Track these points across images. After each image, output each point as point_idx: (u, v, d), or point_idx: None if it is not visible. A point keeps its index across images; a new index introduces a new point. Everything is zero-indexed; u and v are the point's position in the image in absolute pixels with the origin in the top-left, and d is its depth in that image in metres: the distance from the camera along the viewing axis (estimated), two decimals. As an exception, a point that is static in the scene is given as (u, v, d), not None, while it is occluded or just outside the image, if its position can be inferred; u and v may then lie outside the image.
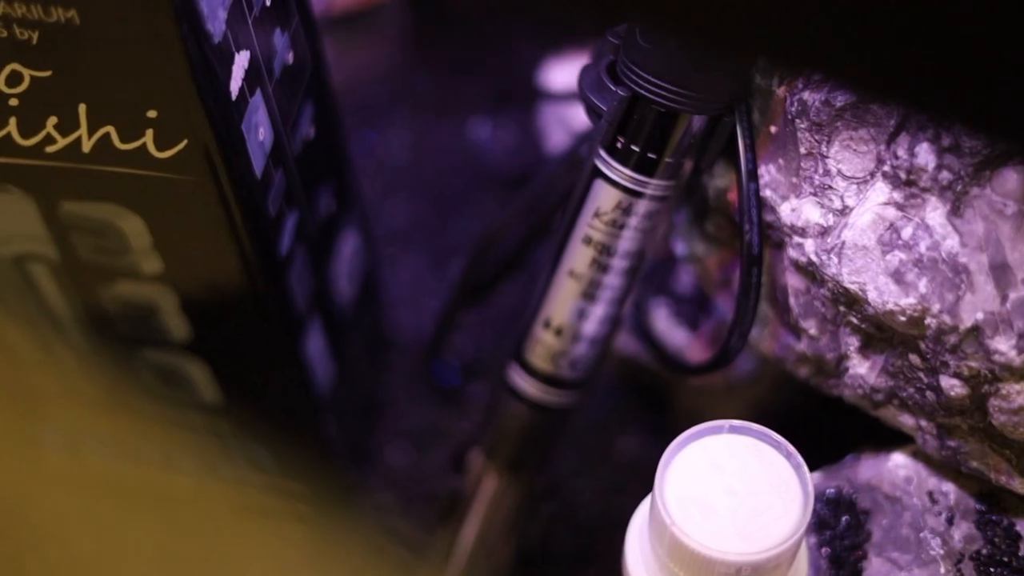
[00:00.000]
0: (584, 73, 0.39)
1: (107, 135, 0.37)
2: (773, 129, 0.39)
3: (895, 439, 0.42)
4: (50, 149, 0.38)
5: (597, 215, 0.39)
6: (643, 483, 0.52)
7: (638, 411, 0.50)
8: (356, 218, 0.49)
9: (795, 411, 0.48)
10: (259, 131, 0.39)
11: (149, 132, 0.36)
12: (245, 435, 0.48)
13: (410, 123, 0.56)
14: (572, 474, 0.49)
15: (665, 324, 0.46)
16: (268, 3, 0.38)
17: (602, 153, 0.39)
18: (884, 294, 0.37)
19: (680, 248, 0.43)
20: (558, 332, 0.41)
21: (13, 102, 0.37)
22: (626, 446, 0.50)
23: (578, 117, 0.50)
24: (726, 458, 0.38)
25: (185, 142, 0.36)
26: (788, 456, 0.38)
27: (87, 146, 0.37)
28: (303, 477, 0.50)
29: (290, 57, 0.40)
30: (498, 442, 0.43)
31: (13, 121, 0.37)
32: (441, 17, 0.56)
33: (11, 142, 0.38)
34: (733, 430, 0.38)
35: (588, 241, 0.39)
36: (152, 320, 0.44)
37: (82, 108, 0.36)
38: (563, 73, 0.51)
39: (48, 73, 0.36)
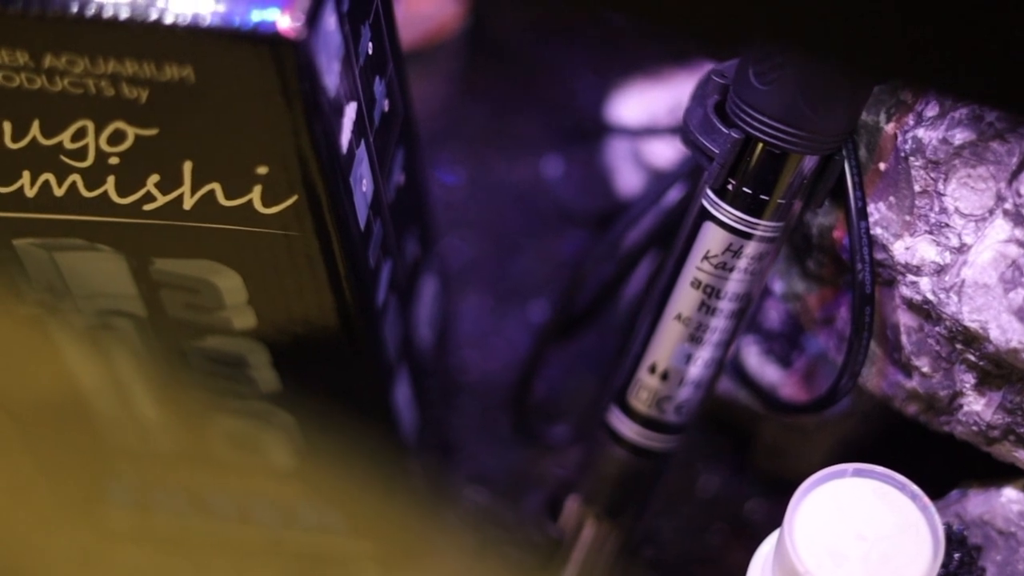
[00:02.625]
0: (690, 113, 0.38)
1: (211, 192, 0.36)
2: (882, 166, 0.38)
3: (997, 473, 0.42)
4: (148, 207, 0.37)
5: (706, 258, 0.38)
6: (726, 522, 0.51)
7: (719, 448, 0.49)
8: (435, 262, 0.48)
9: (882, 447, 0.48)
10: (363, 183, 0.38)
11: (257, 188, 0.35)
12: (324, 487, 0.47)
13: (467, 159, 0.55)
14: (654, 513, 0.49)
15: (756, 362, 0.45)
16: (370, 51, 0.37)
17: (711, 195, 0.38)
18: (1007, 332, 0.36)
19: (778, 286, 0.42)
20: (664, 376, 0.40)
21: (113, 160, 0.36)
22: (708, 484, 0.49)
23: (653, 152, 0.49)
24: (852, 502, 0.37)
25: (295, 198, 0.35)
26: (914, 498, 0.37)
27: (188, 203, 0.36)
28: (380, 527, 0.49)
29: (386, 104, 0.39)
30: (597, 488, 0.42)
31: (111, 180, 0.36)
32: (499, 54, 0.56)
33: (106, 200, 0.37)
34: (857, 473, 0.38)
35: (697, 285, 0.39)
36: (238, 374, 0.43)
37: (187, 166, 0.35)
38: (631, 108, 0.50)
39: (154, 131, 0.34)
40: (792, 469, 0.48)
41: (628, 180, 0.50)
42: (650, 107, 0.49)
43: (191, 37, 0.32)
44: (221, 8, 0.32)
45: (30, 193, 0.37)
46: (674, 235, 0.43)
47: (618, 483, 0.42)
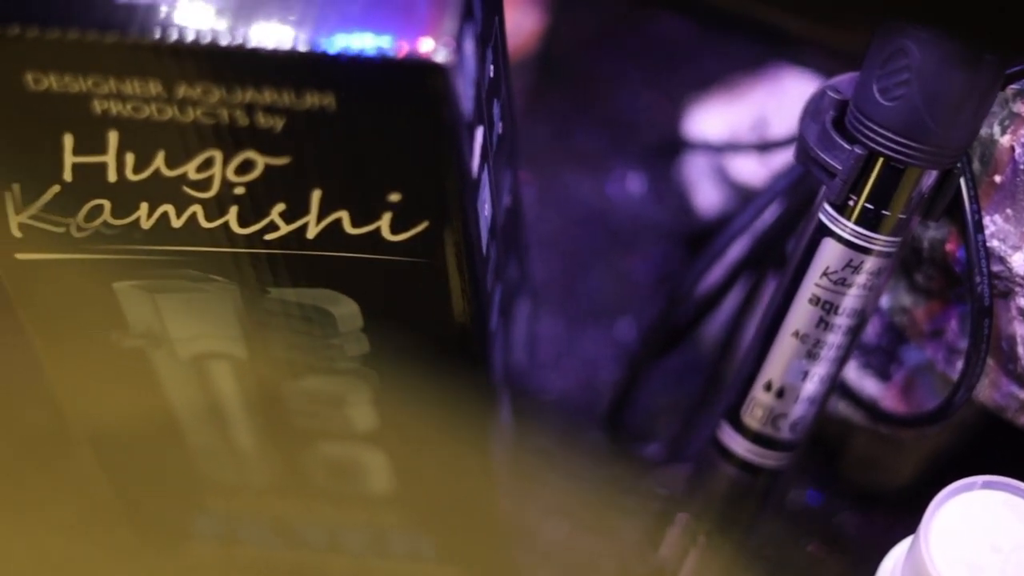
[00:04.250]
0: (806, 129, 0.38)
1: (338, 220, 0.35)
2: (998, 179, 0.38)
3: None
4: (269, 236, 0.36)
5: (825, 274, 0.38)
6: (817, 535, 0.51)
7: (807, 461, 0.49)
8: (529, 285, 0.48)
9: (970, 458, 0.48)
10: (485, 207, 0.37)
11: (386, 216, 0.35)
12: (418, 513, 0.46)
13: (536, 177, 0.55)
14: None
15: (855, 375, 0.45)
16: (492, 74, 0.37)
17: (830, 210, 0.38)
18: None
19: (884, 300, 0.42)
20: (779, 394, 0.40)
21: (239, 190, 0.35)
22: (797, 497, 0.49)
23: (737, 168, 0.49)
24: (983, 514, 0.37)
25: (425, 224, 0.35)
26: (1044, 509, 0.37)
27: (312, 232, 0.36)
28: (469, 553, 0.48)
29: (500, 127, 0.39)
30: (705, 507, 0.42)
31: (234, 210, 0.35)
32: (565, 70, 0.55)
33: (226, 231, 0.36)
34: (986, 485, 0.38)
35: (815, 301, 0.39)
36: (337, 412, 0.42)
37: (316, 194, 0.35)
38: (711, 123, 0.50)
39: (285, 160, 0.34)
40: (882, 481, 0.49)
41: (708, 196, 0.50)
42: (731, 122, 0.49)
43: (336, 65, 0.31)
44: (366, 36, 0.31)
45: (145, 225, 0.36)
46: (772, 251, 0.43)
47: (727, 502, 0.42)
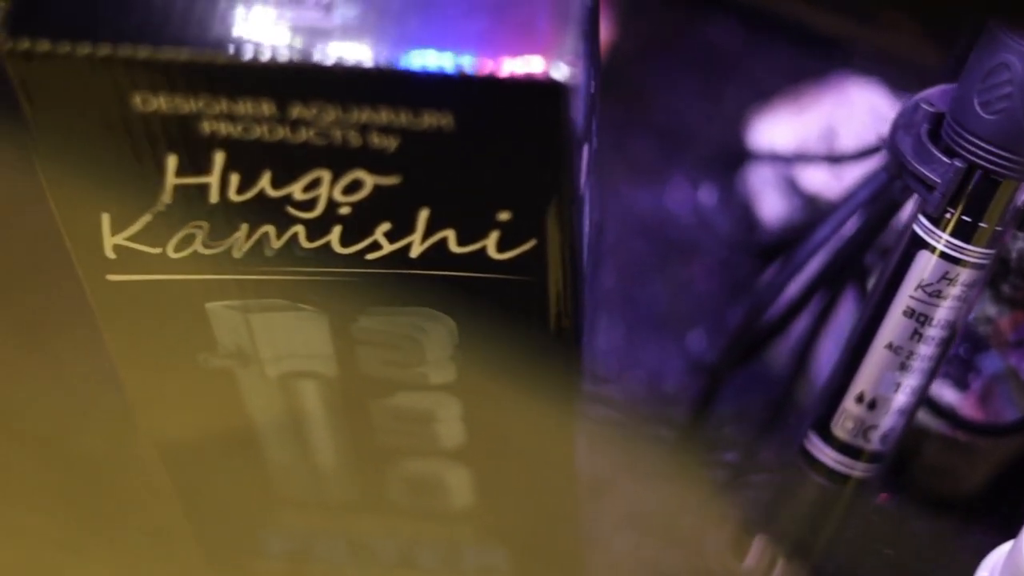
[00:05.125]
0: (899, 141, 0.38)
1: (443, 239, 0.35)
2: (1090, 190, 0.39)
3: None
4: (371, 256, 0.36)
5: (920, 286, 0.39)
6: (888, 543, 0.51)
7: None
8: (593, 297, 0.48)
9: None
10: (585, 223, 0.37)
11: (493, 235, 0.35)
12: (496, 527, 0.46)
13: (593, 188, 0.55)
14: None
15: (934, 385, 0.45)
16: (592, 89, 0.37)
17: (926, 223, 0.38)
18: None
19: (967, 310, 0.43)
20: (871, 406, 0.40)
21: (344, 210, 0.35)
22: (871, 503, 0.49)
23: (807, 178, 0.49)
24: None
25: (533, 243, 0.35)
26: None
27: (416, 251, 0.35)
28: (544, 567, 0.48)
29: (595, 142, 0.39)
30: (790, 521, 0.42)
31: (337, 230, 0.35)
32: (618, 79, 0.55)
33: (326, 252, 0.36)
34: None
35: (910, 313, 0.39)
36: (424, 428, 0.42)
37: (423, 213, 0.34)
38: (778, 133, 0.50)
39: (396, 180, 0.34)
40: (953, 489, 0.49)
41: (774, 206, 0.50)
42: (798, 132, 0.49)
43: (457, 86, 0.31)
44: (488, 56, 0.31)
45: (244, 247, 0.36)
46: (851, 263, 0.43)
47: (813, 513, 0.42)
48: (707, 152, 0.54)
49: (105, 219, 0.36)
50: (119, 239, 0.36)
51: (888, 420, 0.40)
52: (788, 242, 0.46)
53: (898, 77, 0.52)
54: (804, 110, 0.52)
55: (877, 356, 0.40)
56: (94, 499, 0.51)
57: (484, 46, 0.31)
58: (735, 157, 0.53)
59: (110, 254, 0.37)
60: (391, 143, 0.33)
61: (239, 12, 0.32)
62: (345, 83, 0.32)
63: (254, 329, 0.39)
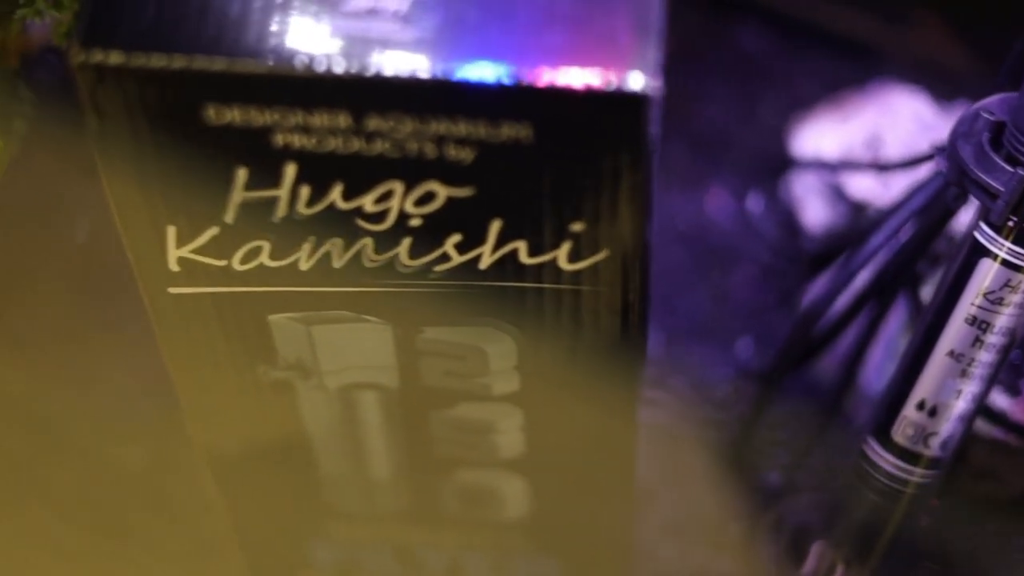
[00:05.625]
0: (960, 149, 0.38)
1: (514, 251, 0.35)
2: None
3: None
4: (439, 268, 0.36)
5: (982, 294, 0.39)
6: (936, 545, 0.51)
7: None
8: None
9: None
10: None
11: (565, 246, 0.35)
12: (541, 543, 0.46)
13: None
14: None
15: (985, 391, 0.45)
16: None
17: (988, 231, 0.38)
18: None
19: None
20: (932, 413, 0.40)
21: (415, 222, 0.34)
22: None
23: (853, 186, 0.49)
24: None
25: (605, 253, 0.35)
26: None
27: (485, 263, 0.35)
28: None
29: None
30: (849, 528, 0.42)
31: (407, 243, 0.35)
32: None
33: (394, 265, 0.36)
34: None
35: (971, 321, 0.39)
36: (483, 439, 0.42)
37: (495, 225, 0.34)
38: (822, 140, 0.50)
39: (470, 192, 0.34)
40: (999, 492, 0.49)
41: (819, 214, 0.51)
42: (843, 140, 0.50)
43: (539, 98, 0.31)
44: (571, 68, 0.31)
45: (311, 260, 0.36)
46: (905, 271, 0.43)
47: (873, 520, 0.42)
48: (745, 160, 0.54)
49: (171, 232, 0.36)
50: (184, 251, 0.36)
51: (948, 427, 0.41)
52: (837, 249, 0.46)
53: (934, 82, 0.52)
54: (848, 118, 0.52)
55: (938, 363, 0.40)
56: (136, 512, 0.51)
57: (565, 57, 0.31)
58: (775, 164, 0.53)
59: (174, 267, 0.36)
60: (467, 154, 0.33)
61: (315, 24, 0.32)
62: (423, 95, 0.32)
63: (316, 341, 0.39)
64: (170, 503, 0.51)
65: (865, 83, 0.53)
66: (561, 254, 0.35)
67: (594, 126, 0.32)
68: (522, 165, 0.33)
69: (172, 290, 0.37)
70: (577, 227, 0.34)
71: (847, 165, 0.50)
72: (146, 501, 0.51)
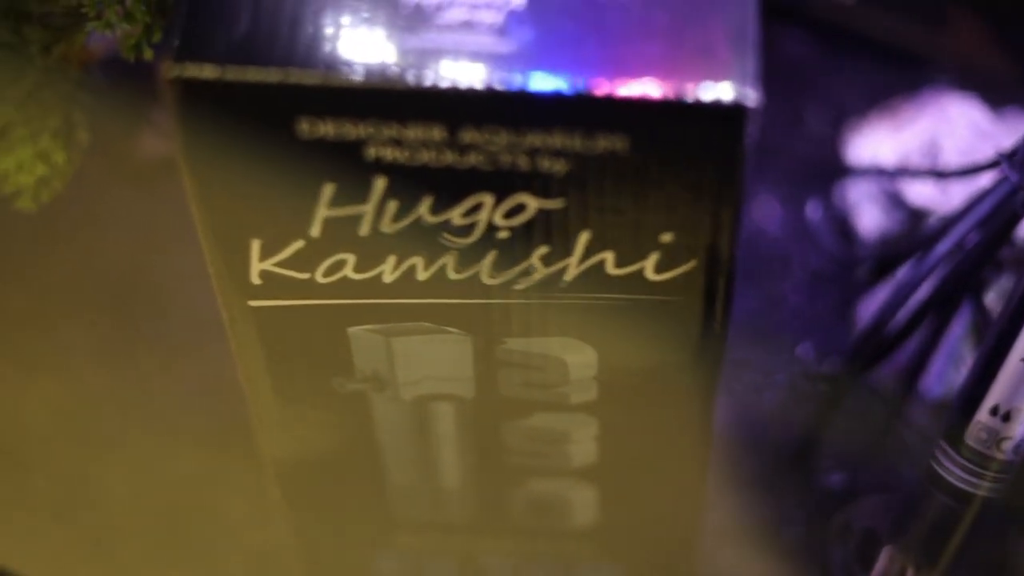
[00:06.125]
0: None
1: (601, 262, 0.35)
2: None
3: None
4: (524, 280, 0.36)
5: (1054, 301, 0.39)
6: (987, 554, 0.52)
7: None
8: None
9: None
10: (734, 242, 0.37)
11: (653, 256, 0.35)
12: (606, 552, 0.46)
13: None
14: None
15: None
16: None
17: (1062, 239, 0.39)
18: None
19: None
20: (1005, 418, 0.41)
21: (503, 235, 0.34)
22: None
23: (912, 193, 0.49)
24: None
25: (693, 263, 0.35)
26: None
27: (571, 275, 0.35)
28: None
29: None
30: (919, 534, 0.43)
31: (492, 255, 0.35)
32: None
33: (476, 279, 0.36)
34: None
35: (1045, 327, 0.39)
36: (557, 449, 0.42)
37: (583, 236, 0.34)
38: (876, 148, 0.50)
39: (560, 203, 0.34)
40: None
41: (874, 221, 0.51)
42: (899, 147, 0.50)
43: (636, 110, 0.31)
44: (669, 79, 0.31)
45: (395, 273, 0.36)
46: (971, 278, 0.43)
47: (944, 524, 0.42)
48: (793, 167, 0.54)
49: (255, 245, 0.35)
50: (267, 264, 0.36)
51: (1021, 431, 0.41)
52: (898, 256, 0.46)
53: (983, 89, 0.52)
54: (902, 125, 0.52)
55: (1013, 369, 0.40)
56: (194, 524, 0.51)
57: (663, 69, 0.31)
58: (826, 171, 0.53)
59: (256, 280, 0.36)
60: (561, 167, 0.33)
61: (410, 37, 0.32)
62: (519, 108, 0.32)
63: (395, 353, 0.39)
64: (227, 516, 0.51)
65: (917, 91, 0.53)
66: (649, 264, 0.35)
67: (692, 138, 0.32)
68: (615, 177, 0.33)
69: (252, 303, 0.37)
70: (667, 238, 0.34)
71: (906, 172, 0.50)
72: (202, 514, 0.51)
